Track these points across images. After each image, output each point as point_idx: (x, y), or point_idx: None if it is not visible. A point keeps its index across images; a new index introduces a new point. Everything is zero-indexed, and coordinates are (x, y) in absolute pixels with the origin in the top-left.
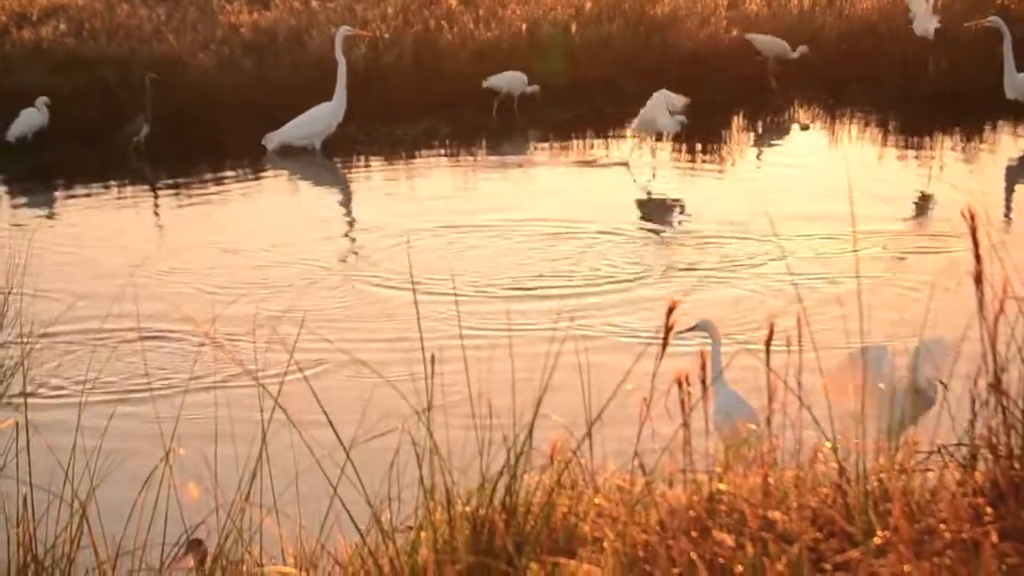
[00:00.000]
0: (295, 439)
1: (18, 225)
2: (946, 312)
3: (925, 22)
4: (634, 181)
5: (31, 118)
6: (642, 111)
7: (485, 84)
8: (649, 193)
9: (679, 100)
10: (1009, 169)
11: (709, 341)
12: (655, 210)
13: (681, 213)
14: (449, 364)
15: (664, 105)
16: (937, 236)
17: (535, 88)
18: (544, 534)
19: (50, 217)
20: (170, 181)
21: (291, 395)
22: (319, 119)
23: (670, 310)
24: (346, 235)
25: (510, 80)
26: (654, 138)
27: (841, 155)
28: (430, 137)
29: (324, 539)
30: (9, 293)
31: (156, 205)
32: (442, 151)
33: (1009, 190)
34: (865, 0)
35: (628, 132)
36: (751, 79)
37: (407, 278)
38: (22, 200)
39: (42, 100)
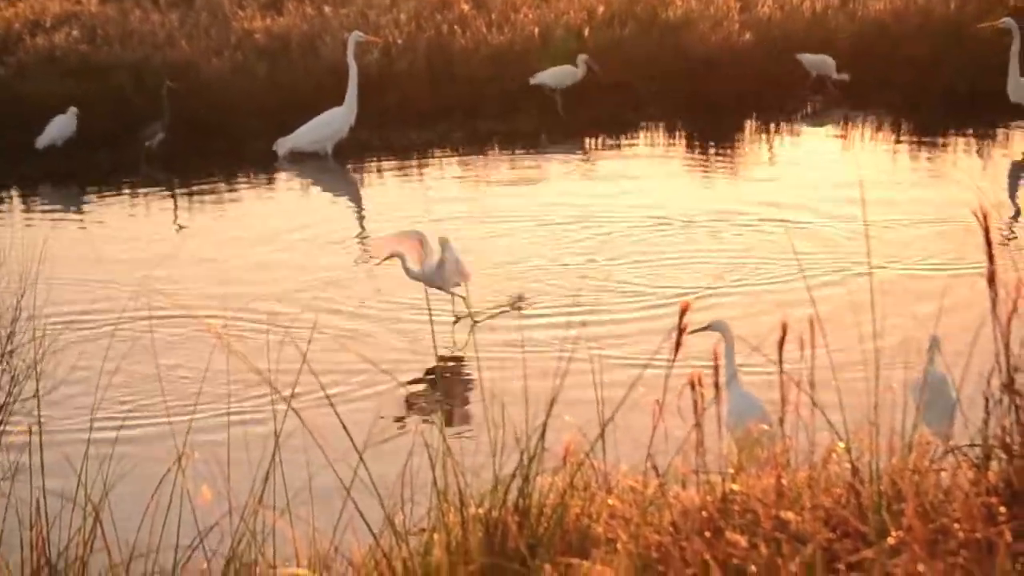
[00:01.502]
0: (308, 441)
1: (32, 228)
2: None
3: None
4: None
5: (61, 126)
6: None
7: (532, 81)
8: (660, 194)
9: None
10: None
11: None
12: (666, 212)
13: (693, 215)
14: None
15: None
16: (950, 237)
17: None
18: (557, 535)
19: (64, 221)
20: (183, 185)
21: (304, 397)
22: (330, 124)
23: (683, 311)
24: (358, 239)
25: (556, 76)
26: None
27: (854, 156)
28: (443, 141)
29: (338, 541)
30: (23, 296)
31: (169, 209)
32: (455, 155)
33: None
34: (878, 2)
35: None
36: (764, 82)
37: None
38: (36, 204)
39: (72, 109)
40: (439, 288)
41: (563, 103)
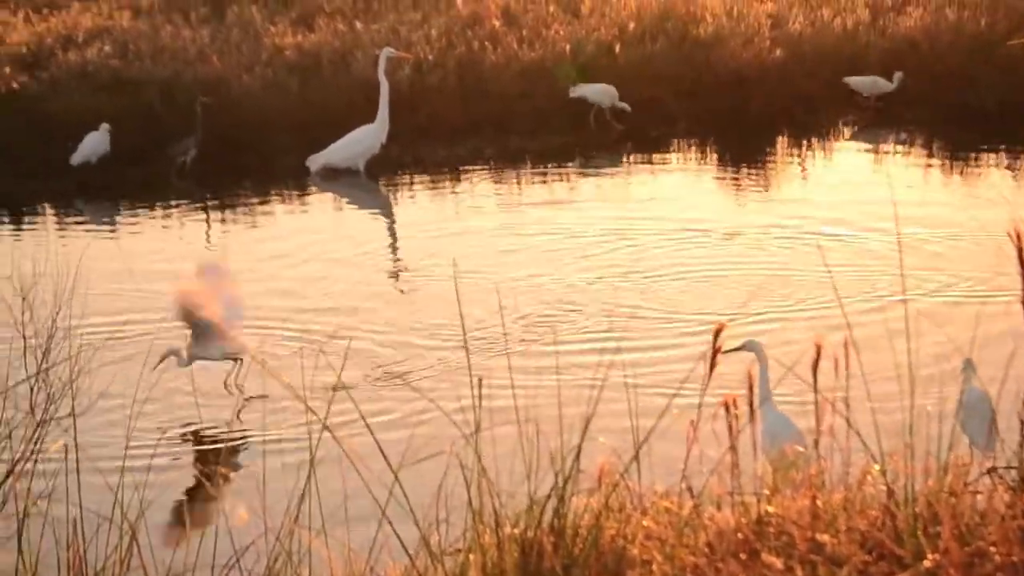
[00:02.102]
0: (343, 461)
1: (67, 244)
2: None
3: None
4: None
5: (95, 143)
6: None
7: (573, 94)
8: (692, 210)
9: None
10: None
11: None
12: (698, 228)
13: (725, 231)
14: (497, 385)
15: None
16: (983, 255)
17: (624, 106)
18: (592, 556)
19: (98, 237)
20: (215, 201)
21: (338, 416)
22: (362, 140)
23: (717, 332)
24: (391, 257)
25: (598, 92)
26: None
27: (885, 173)
28: (474, 158)
29: (373, 561)
30: (58, 312)
31: (202, 225)
32: (486, 172)
33: None
34: (908, 19)
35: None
36: (795, 98)
37: (453, 299)
38: (70, 219)
39: (104, 125)
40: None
41: (596, 119)
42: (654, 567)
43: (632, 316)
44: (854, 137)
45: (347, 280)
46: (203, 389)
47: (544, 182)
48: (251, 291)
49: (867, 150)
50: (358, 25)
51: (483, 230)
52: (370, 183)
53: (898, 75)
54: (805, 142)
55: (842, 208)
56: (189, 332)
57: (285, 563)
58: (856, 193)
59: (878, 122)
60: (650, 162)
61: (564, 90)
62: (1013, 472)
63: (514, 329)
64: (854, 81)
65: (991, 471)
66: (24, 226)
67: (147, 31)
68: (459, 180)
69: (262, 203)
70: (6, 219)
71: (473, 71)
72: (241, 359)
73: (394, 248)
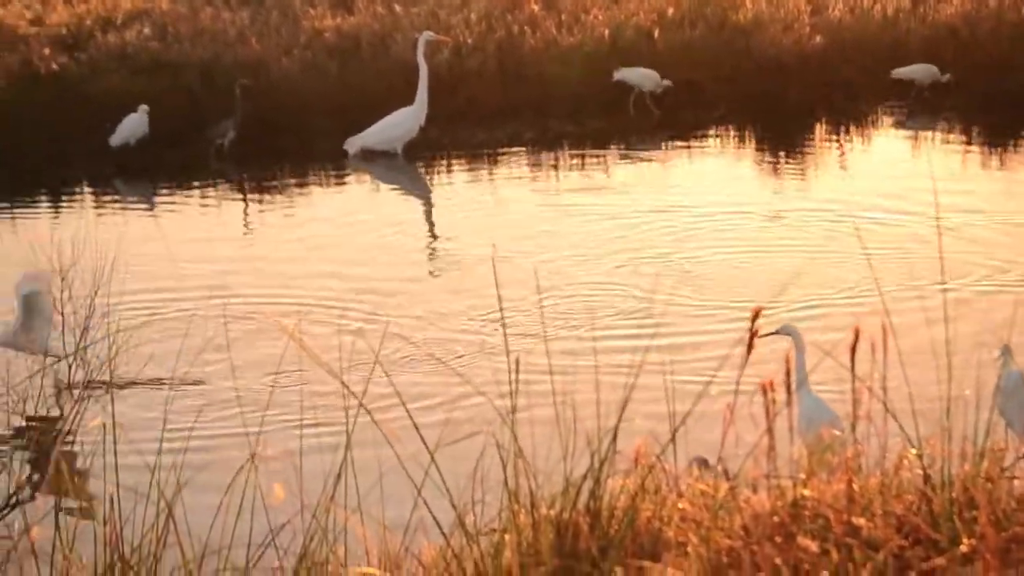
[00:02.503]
0: (379, 441)
1: (105, 226)
2: None
3: None
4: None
5: (134, 125)
6: None
7: (616, 76)
8: (730, 195)
9: None
10: None
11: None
12: (736, 212)
13: (763, 215)
14: (534, 367)
15: None
16: (1023, 242)
17: (667, 83)
18: (628, 538)
19: (137, 219)
20: (254, 184)
21: (376, 397)
22: (401, 123)
23: (754, 315)
24: (428, 239)
25: (640, 76)
26: None
27: (925, 160)
28: (513, 141)
29: (408, 541)
30: (97, 292)
31: (240, 207)
32: (525, 155)
33: None
34: (949, 5)
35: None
36: (834, 84)
37: (491, 281)
38: (109, 201)
39: (143, 107)
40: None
41: (636, 104)
42: (689, 549)
43: (670, 298)
44: (893, 124)
45: (385, 262)
46: (239, 369)
47: (582, 166)
48: (289, 272)
49: (906, 137)
50: (397, 8)
51: (521, 213)
52: (408, 166)
53: (948, 76)
54: (844, 128)
55: (881, 193)
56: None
57: (320, 541)
58: (895, 179)
59: (917, 109)
60: (688, 147)
61: (603, 74)
62: None
63: (552, 311)
64: (906, 71)
65: None
66: (63, 207)
67: (186, 13)
68: (497, 163)
69: (300, 185)
70: (46, 200)
71: (512, 55)
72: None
73: (432, 231)
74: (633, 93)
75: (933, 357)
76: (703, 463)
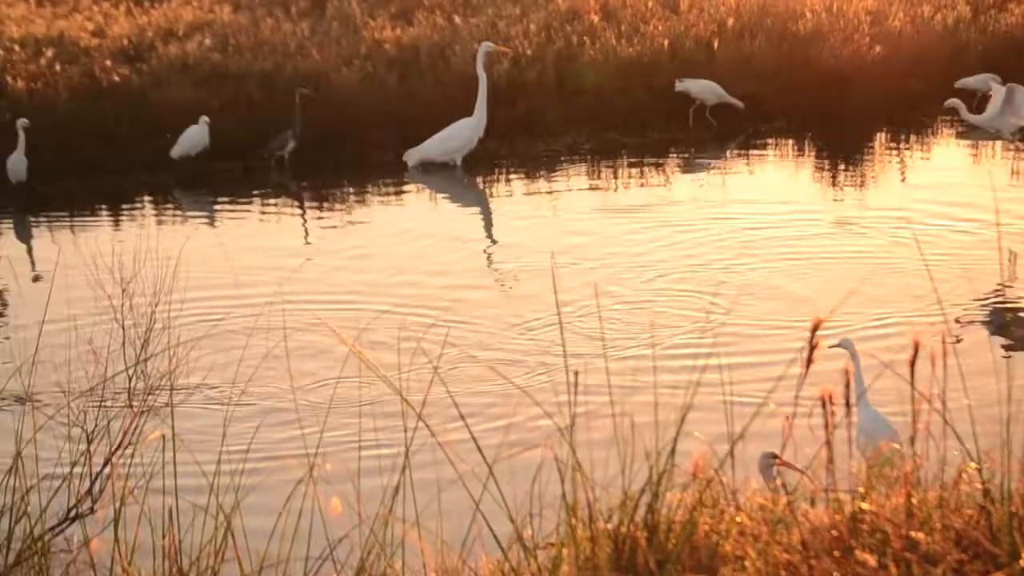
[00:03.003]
0: (438, 454)
1: (166, 237)
2: None
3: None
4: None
5: (195, 137)
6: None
7: (679, 87)
8: (790, 205)
9: None
10: None
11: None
12: (796, 224)
13: (823, 227)
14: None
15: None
16: None
17: (737, 102)
18: (686, 552)
19: (197, 230)
20: (314, 195)
21: (435, 409)
22: (460, 135)
23: (814, 328)
24: (488, 251)
25: (703, 88)
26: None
27: (985, 170)
28: (571, 152)
29: (466, 554)
30: (157, 304)
31: (300, 218)
32: (584, 166)
33: None
34: (1009, 16)
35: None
36: (895, 95)
37: (550, 292)
38: (169, 212)
39: (204, 119)
40: None
41: (696, 115)
42: (747, 563)
43: (731, 310)
44: (954, 134)
45: (444, 273)
46: (299, 381)
47: (642, 177)
48: (348, 283)
49: (967, 146)
50: (457, 19)
51: (580, 224)
52: (467, 178)
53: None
54: (904, 138)
55: (942, 203)
56: None
57: (378, 555)
58: (956, 188)
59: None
60: (749, 157)
61: (662, 85)
62: None
63: (611, 322)
64: (968, 81)
65: None
66: (124, 218)
67: (247, 24)
68: (556, 175)
69: (359, 197)
70: (107, 211)
71: (571, 66)
72: None
73: (491, 242)
74: (694, 104)
75: (994, 370)
76: (772, 457)
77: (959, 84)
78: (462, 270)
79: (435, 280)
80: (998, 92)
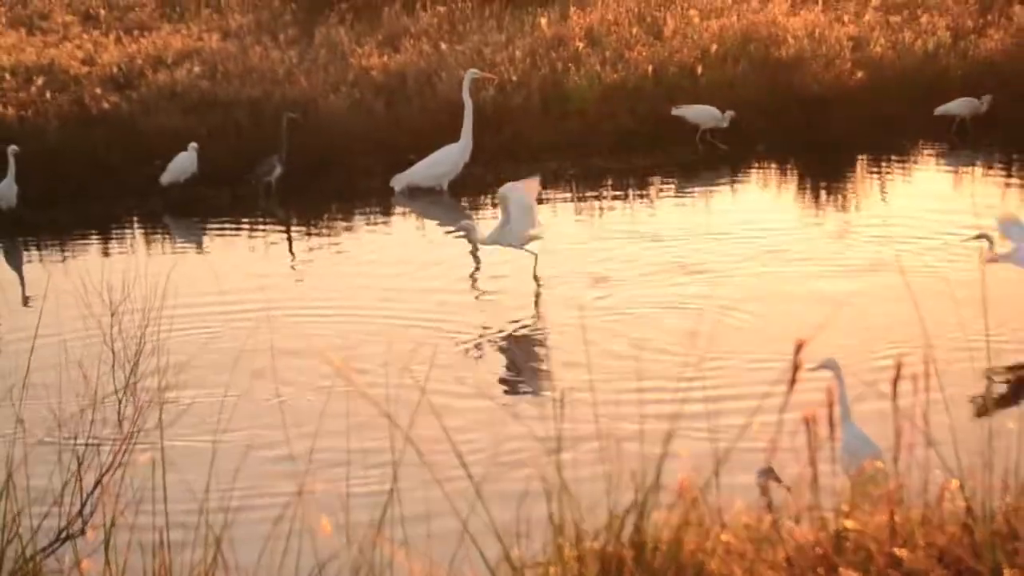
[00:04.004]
0: (426, 475)
1: (155, 261)
2: None
3: None
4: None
5: (184, 163)
6: None
7: (675, 112)
8: (773, 230)
9: None
10: None
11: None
12: (779, 247)
13: (805, 251)
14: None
15: None
16: None
17: (730, 113)
18: (672, 570)
19: (186, 255)
20: (301, 221)
21: (422, 430)
22: (446, 160)
23: (797, 348)
24: (474, 275)
25: (699, 113)
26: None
27: (966, 194)
28: (557, 177)
29: (455, 574)
30: (146, 327)
31: (287, 243)
32: (569, 191)
33: None
34: (989, 41)
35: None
36: (876, 120)
37: (536, 316)
38: (158, 237)
39: (193, 145)
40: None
41: (702, 140)
42: None
43: (714, 332)
44: (935, 158)
45: (431, 297)
46: (288, 402)
47: (626, 202)
48: (336, 307)
49: (948, 171)
50: (443, 46)
51: (565, 248)
52: (454, 202)
53: (987, 97)
54: (886, 163)
55: (924, 227)
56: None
57: (367, 575)
58: (938, 212)
59: (958, 143)
60: (731, 182)
61: (645, 111)
62: None
63: (597, 344)
64: (948, 107)
65: None
66: (114, 244)
67: (236, 52)
68: (541, 200)
69: (346, 222)
70: (97, 236)
71: (556, 92)
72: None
73: (477, 266)
74: (699, 130)
75: (974, 390)
76: (768, 472)
77: (938, 111)
78: (448, 294)
79: (422, 303)
80: None
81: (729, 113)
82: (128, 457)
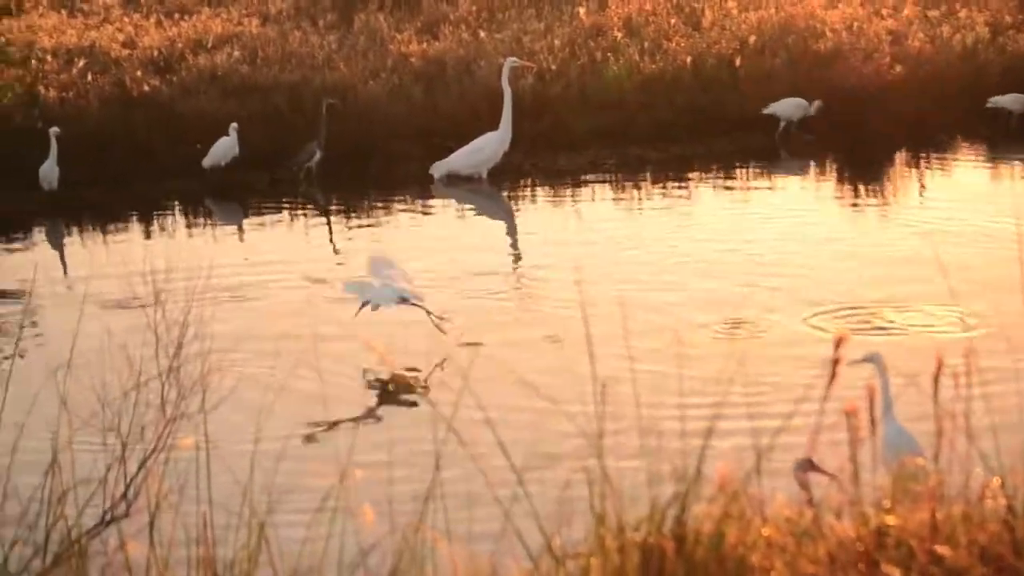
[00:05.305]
0: (469, 464)
1: (197, 245)
2: None
3: None
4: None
5: (225, 147)
6: None
7: (766, 111)
8: (811, 223)
9: None
10: None
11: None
12: (818, 241)
13: (845, 244)
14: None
15: None
16: None
17: (817, 103)
18: (713, 563)
19: (227, 238)
20: (340, 206)
21: (465, 420)
22: (486, 148)
23: (839, 343)
24: (513, 264)
25: (788, 107)
26: None
27: (1007, 188)
28: (595, 167)
29: (497, 563)
30: (189, 312)
31: (327, 230)
32: (607, 180)
33: None
34: None
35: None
36: (914, 114)
37: (575, 305)
38: (200, 221)
39: (233, 126)
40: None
41: (785, 134)
42: (774, 575)
43: (755, 324)
44: (974, 153)
45: (471, 286)
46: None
47: (664, 192)
48: None
49: (988, 165)
50: (482, 34)
51: (604, 238)
52: (492, 190)
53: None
54: (924, 157)
55: (963, 221)
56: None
57: (410, 563)
58: (975, 206)
59: (999, 138)
60: (770, 174)
61: (684, 101)
62: None
63: (637, 335)
64: (1002, 99)
65: None
66: (156, 226)
67: (275, 37)
68: (580, 188)
69: (385, 209)
70: (138, 220)
71: (595, 81)
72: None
73: (516, 256)
74: (780, 126)
75: (1016, 385)
76: (806, 463)
77: (992, 102)
78: (488, 283)
79: (462, 292)
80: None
81: (817, 102)
82: (171, 440)
